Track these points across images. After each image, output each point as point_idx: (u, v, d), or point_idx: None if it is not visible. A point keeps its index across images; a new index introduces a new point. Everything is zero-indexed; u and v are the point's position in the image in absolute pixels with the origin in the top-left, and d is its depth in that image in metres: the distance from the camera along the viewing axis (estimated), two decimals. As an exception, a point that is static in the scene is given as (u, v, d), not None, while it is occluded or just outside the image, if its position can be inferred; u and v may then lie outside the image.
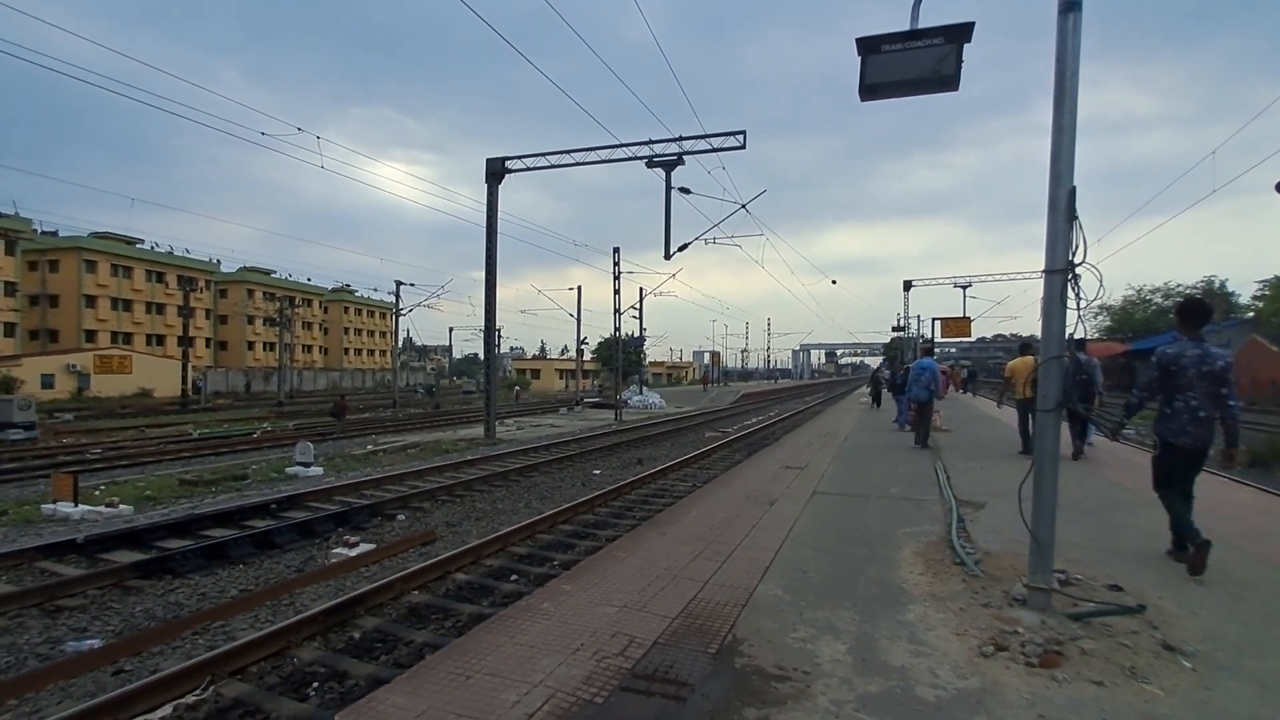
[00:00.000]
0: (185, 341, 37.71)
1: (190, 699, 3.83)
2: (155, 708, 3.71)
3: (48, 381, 38.89)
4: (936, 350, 40.40)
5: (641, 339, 46.31)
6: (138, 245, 55.28)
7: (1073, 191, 3.51)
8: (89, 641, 4.74)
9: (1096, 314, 60.73)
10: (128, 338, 53.08)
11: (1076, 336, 3.64)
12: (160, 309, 56.43)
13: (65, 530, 7.89)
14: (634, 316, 35.59)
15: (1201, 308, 4.66)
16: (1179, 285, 60.59)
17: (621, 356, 32.18)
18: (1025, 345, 10.96)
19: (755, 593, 4.03)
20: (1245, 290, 55.90)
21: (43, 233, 48.54)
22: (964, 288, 36.54)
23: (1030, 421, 9.70)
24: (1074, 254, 3.51)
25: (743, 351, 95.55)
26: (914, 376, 11.45)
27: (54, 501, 8.90)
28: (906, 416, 14.81)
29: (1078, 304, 3.57)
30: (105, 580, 5.97)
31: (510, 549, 7.06)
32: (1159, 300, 61.66)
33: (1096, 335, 62.55)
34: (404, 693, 2.86)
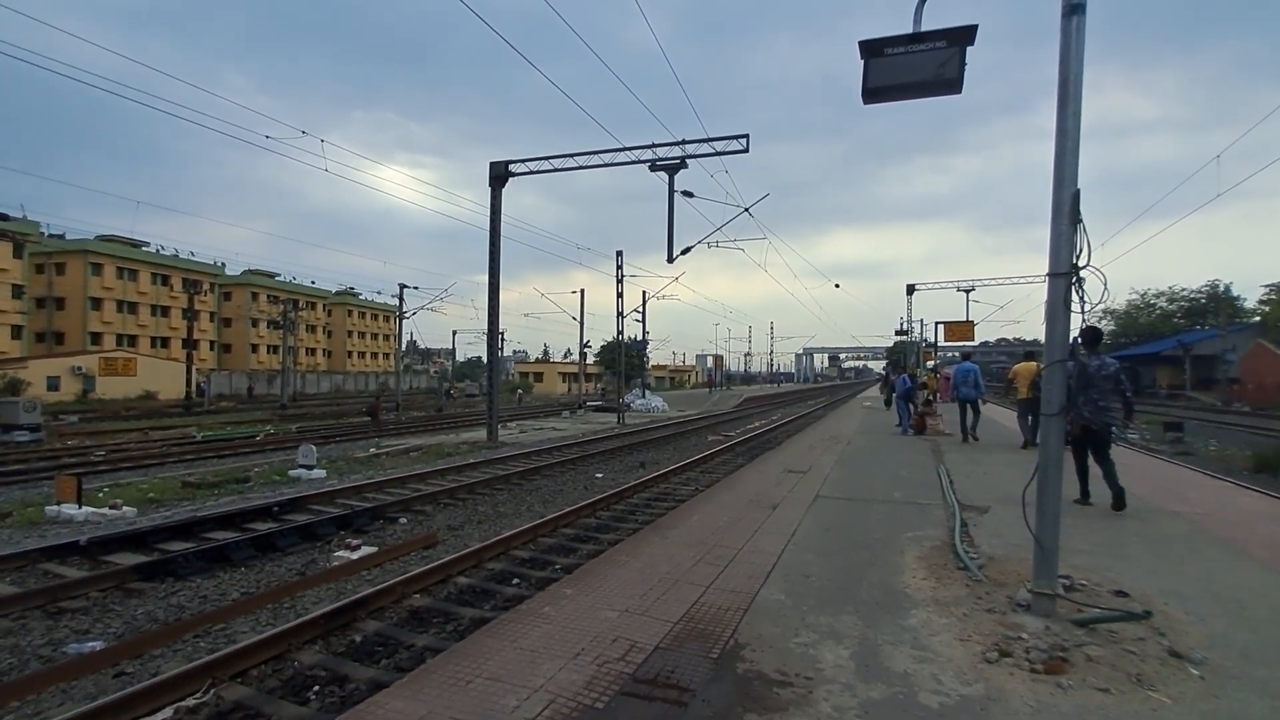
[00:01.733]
0: (189, 344, 37.82)
1: (191, 702, 3.82)
2: (156, 710, 3.70)
3: (53, 383, 39.03)
4: (940, 355, 40.47)
5: (644, 342, 46.32)
6: (143, 248, 55.52)
7: (1076, 195, 3.50)
8: (91, 643, 4.73)
9: (1100, 318, 60.55)
10: (133, 340, 53.28)
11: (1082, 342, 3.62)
12: (165, 312, 56.64)
13: (68, 532, 7.90)
14: (637, 320, 35.56)
15: (1095, 333, 6.58)
16: (1184, 289, 60.54)
17: (624, 360, 32.16)
18: (1030, 353, 11.66)
19: (757, 597, 4.02)
20: (1251, 295, 55.68)
21: (50, 236, 48.84)
22: (967, 291, 36.37)
23: (1030, 419, 11.22)
24: (1078, 258, 3.50)
25: (745, 355, 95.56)
26: (961, 378, 12.99)
27: (58, 503, 8.91)
28: (909, 422, 14.87)
29: (1082, 308, 3.56)
30: (107, 582, 5.98)
31: (512, 552, 7.05)
32: (1164, 304, 61.50)
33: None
34: (404, 697, 2.85)
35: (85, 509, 8.81)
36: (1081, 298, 3.53)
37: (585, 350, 45.02)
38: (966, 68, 4.24)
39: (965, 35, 4.22)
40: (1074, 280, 3.51)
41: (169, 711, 3.73)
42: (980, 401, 13.63)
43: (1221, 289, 57.44)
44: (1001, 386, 14.81)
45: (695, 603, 3.95)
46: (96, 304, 51.45)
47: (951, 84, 4.31)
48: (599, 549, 6.97)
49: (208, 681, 3.97)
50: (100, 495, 10.01)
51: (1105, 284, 3.63)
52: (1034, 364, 10.80)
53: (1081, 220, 3.49)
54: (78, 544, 6.91)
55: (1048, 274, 3.59)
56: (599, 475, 12.84)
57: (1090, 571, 4.38)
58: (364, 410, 28.34)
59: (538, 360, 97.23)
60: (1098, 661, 3.06)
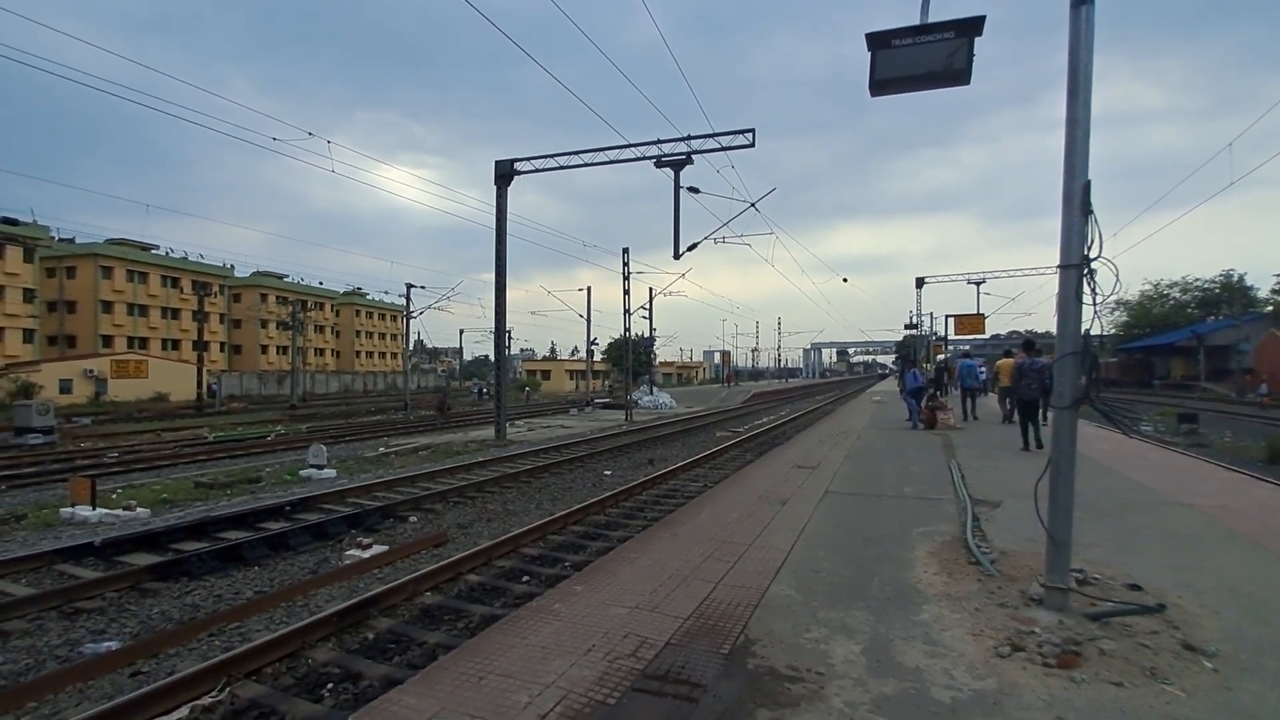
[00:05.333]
0: (200, 346, 38.12)
1: (206, 700, 3.86)
2: (172, 709, 3.74)
3: (66, 386, 39.46)
4: (951, 348, 40.33)
5: (651, 339, 46.32)
6: (153, 251, 55.94)
7: (1087, 185, 3.46)
8: (107, 644, 4.79)
9: (1113, 309, 60.03)
10: (144, 342, 53.74)
11: (1093, 332, 3.59)
12: (175, 314, 57.09)
13: (83, 533, 7.99)
14: (644, 317, 35.56)
15: (1030, 342, 10.48)
16: (1196, 279, 59.84)
17: (631, 357, 32.16)
18: (1008, 351, 14.44)
19: (768, 593, 4.01)
20: (1264, 284, 54.83)
21: (60, 240, 49.24)
22: (978, 284, 36.01)
23: (1007, 402, 14.60)
24: (1089, 248, 3.46)
25: (753, 350, 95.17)
26: (965, 371, 16.77)
27: (72, 505, 9.01)
28: (919, 416, 14.81)
29: (1093, 299, 3.52)
30: (122, 583, 6.04)
31: (522, 550, 7.07)
32: (1177, 295, 60.81)
33: (1114, 330, 61.79)
34: (417, 694, 2.86)
35: (99, 510, 8.90)
36: (1094, 289, 3.49)
37: (592, 348, 45.04)
38: (974, 58, 4.21)
39: (973, 26, 4.18)
40: (1086, 272, 3.47)
41: (185, 710, 3.77)
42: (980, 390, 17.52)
43: (1235, 278, 56.69)
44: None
45: (705, 599, 3.95)
46: (107, 307, 51.90)
47: (959, 75, 4.27)
48: (609, 546, 6.99)
49: (223, 680, 4.01)
50: (114, 497, 10.12)
51: (1117, 275, 3.59)
52: (1011, 360, 13.75)
53: (1093, 211, 3.45)
54: (93, 545, 6.98)
55: (1059, 266, 3.56)
56: (608, 473, 12.85)
57: (1103, 565, 4.35)
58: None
59: (545, 358, 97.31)
60: (1111, 655, 3.04)
